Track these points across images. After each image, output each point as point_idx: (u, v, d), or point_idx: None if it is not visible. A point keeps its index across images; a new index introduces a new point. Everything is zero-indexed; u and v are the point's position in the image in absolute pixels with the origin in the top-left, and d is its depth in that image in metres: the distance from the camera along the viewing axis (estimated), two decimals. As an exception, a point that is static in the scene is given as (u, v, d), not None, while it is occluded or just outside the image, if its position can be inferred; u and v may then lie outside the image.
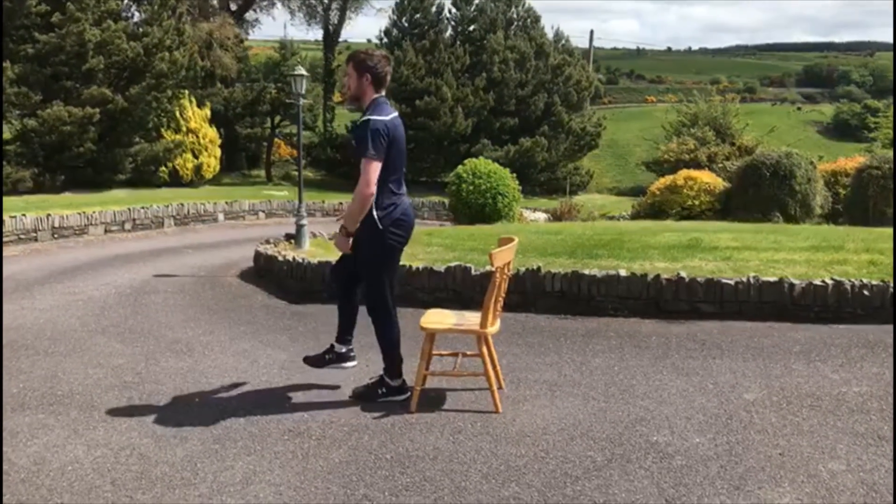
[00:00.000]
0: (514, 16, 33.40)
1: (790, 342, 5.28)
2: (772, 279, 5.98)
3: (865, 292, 5.76)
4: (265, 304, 7.22)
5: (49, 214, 12.83)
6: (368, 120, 4.02)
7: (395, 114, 4.20)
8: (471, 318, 4.22)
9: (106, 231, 13.90)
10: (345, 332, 4.45)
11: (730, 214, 14.65)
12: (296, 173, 13.31)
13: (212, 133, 23.60)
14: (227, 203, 18.06)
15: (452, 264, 6.80)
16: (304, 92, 10.87)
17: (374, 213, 4.06)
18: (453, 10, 32.86)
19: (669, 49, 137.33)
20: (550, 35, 33.77)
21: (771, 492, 3.14)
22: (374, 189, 3.98)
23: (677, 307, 6.04)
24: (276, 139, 30.98)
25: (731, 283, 5.99)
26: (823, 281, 5.91)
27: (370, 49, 4.41)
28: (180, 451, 3.65)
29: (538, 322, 6.04)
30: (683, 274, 6.17)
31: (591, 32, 69.52)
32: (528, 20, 33.48)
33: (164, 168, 21.84)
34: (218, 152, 23.84)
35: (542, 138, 30.09)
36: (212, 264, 10.02)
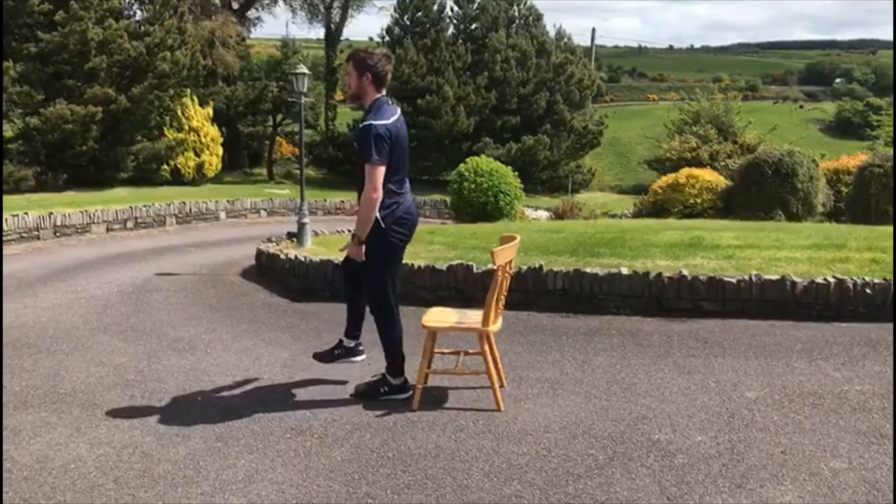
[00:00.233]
0: (516, 14, 33.41)
1: (792, 340, 5.28)
2: (774, 277, 5.97)
3: (867, 290, 5.75)
4: (267, 303, 7.23)
5: (51, 213, 12.84)
6: (370, 125, 4.02)
7: (398, 114, 4.19)
8: (473, 317, 4.22)
9: (108, 229, 13.91)
10: (353, 327, 4.48)
11: (732, 213, 14.65)
12: (297, 172, 13.32)
13: (213, 131, 23.61)
14: (228, 201, 18.06)
15: (454, 262, 6.80)
16: (305, 90, 10.87)
17: (377, 212, 4.07)
18: (455, 9, 32.89)
19: (671, 47, 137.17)
20: (552, 33, 33.83)
21: (773, 490, 3.14)
22: (380, 193, 4.01)
23: (679, 305, 6.04)
24: (277, 138, 30.97)
25: (733, 281, 5.99)
26: (826, 279, 5.90)
27: (370, 48, 4.41)
28: (183, 449, 3.65)
29: (540, 320, 6.04)
30: (685, 272, 6.16)
31: (593, 30, 69.65)
32: (530, 18, 33.49)
33: (165, 166, 21.86)
34: (220, 151, 23.84)
35: (544, 136, 30.09)
36: (214, 263, 10.03)
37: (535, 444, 3.63)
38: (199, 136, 22.90)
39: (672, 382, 4.48)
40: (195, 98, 23.43)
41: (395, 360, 4.28)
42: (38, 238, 12.30)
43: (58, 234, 12.76)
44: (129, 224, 14.52)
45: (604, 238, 8.32)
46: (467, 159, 14.67)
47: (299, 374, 4.79)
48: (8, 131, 18.78)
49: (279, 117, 30.00)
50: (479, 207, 13.59)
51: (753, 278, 5.97)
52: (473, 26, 32.59)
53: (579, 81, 32.31)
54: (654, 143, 32.08)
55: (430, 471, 3.38)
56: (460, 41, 31.89)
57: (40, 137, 18.24)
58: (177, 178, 21.93)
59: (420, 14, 32.07)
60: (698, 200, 15.65)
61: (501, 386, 4.28)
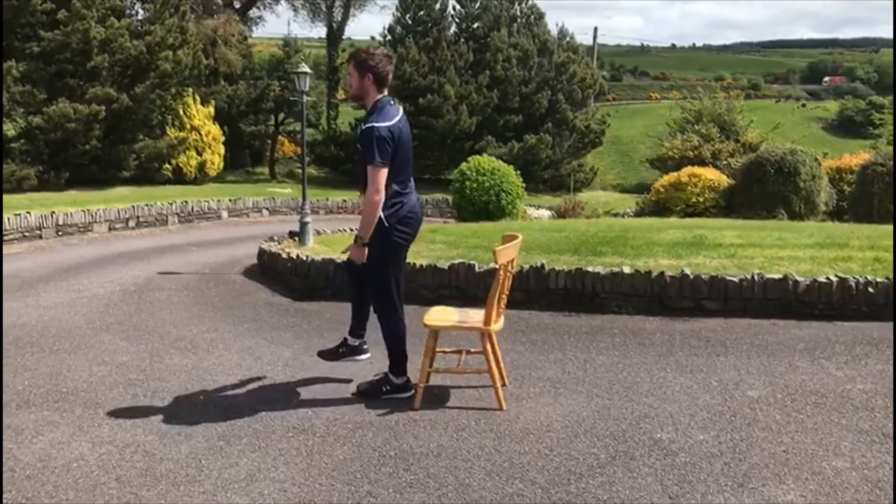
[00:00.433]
0: (518, 13, 33.41)
1: (794, 339, 5.27)
2: (776, 276, 5.96)
3: (870, 289, 5.75)
4: (269, 302, 7.23)
5: (53, 212, 12.86)
6: (373, 127, 4.02)
7: (400, 114, 4.18)
8: (474, 316, 4.22)
9: (110, 228, 13.93)
10: (358, 326, 4.49)
11: (734, 211, 14.65)
12: (299, 171, 13.33)
13: (215, 130, 23.62)
14: (230, 200, 18.08)
15: (456, 261, 6.80)
16: (307, 89, 10.88)
17: (380, 212, 4.07)
18: (457, 8, 32.89)
19: (673, 46, 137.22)
20: (554, 32, 33.83)
21: (775, 489, 3.14)
22: (382, 195, 4.02)
23: (681, 304, 6.03)
24: (279, 137, 30.98)
25: (736, 280, 5.98)
26: (828, 278, 5.89)
27: (371, 48, 4.39)
28: (185, 447, 3.66)
29: (542, 319, 6.04)
30: (687, 271, 6.16)
31: (595, 29, 69.23)
32: (532, 17, 33.48)
33: (167, 165, 21.87)
34: (221, 150, 23.86)
35: (546, 135, 30.08)
36: (216, 262, 10.04)
37: (537, 443, 3.63)
38: (200, 135, 22.90)
39: (674, 381, 4.48)
40: (197, 97, 23.43)
41: (397, 359, 4.28)
42: (40, 237, 12.32)
43: (60, 233, 12.77)
44: (132, 223, 14.54)
45: (606, 237, 8.31)
46: (469, 158, 14.67)
47: (301, 372, 4.79)
48: (10, 130, 18.78)
49: (281, 116, 30.02)
50: (481, 206, 13.59)
51: (756, 277, 5.96)
52: (475, 25, 32.58)
53: (581, 80, 32.29)
54: (657, 142, 32.08)
55: (432, 470, 3.38)
56: (462, 40, 31.89)
57: (43, 136, 18.25)
58: (179, 178, 21.94)
59: (422, 13, 32.07)
60: (700, 199, 15.65)
61: (503, 385, 4.28)
